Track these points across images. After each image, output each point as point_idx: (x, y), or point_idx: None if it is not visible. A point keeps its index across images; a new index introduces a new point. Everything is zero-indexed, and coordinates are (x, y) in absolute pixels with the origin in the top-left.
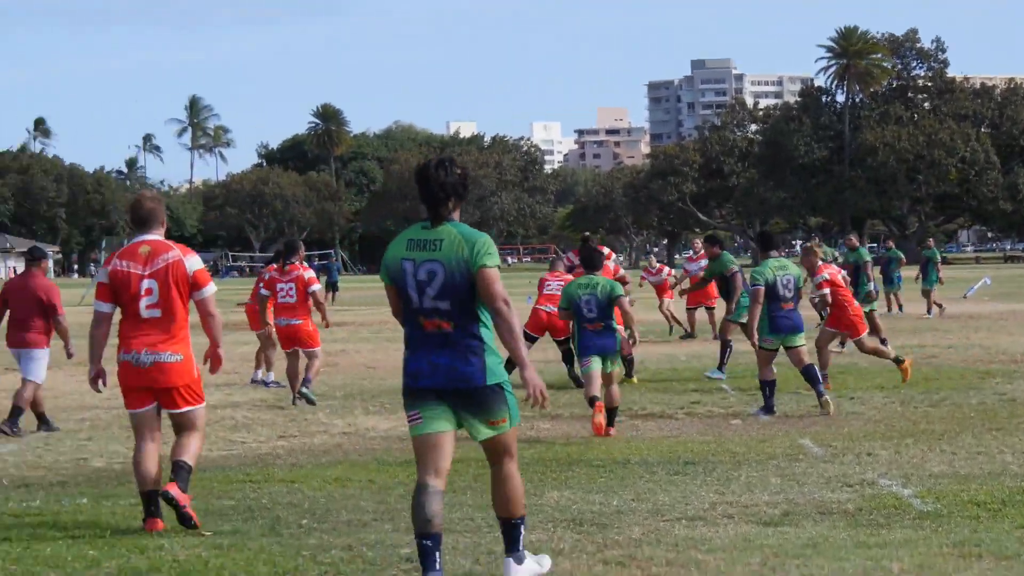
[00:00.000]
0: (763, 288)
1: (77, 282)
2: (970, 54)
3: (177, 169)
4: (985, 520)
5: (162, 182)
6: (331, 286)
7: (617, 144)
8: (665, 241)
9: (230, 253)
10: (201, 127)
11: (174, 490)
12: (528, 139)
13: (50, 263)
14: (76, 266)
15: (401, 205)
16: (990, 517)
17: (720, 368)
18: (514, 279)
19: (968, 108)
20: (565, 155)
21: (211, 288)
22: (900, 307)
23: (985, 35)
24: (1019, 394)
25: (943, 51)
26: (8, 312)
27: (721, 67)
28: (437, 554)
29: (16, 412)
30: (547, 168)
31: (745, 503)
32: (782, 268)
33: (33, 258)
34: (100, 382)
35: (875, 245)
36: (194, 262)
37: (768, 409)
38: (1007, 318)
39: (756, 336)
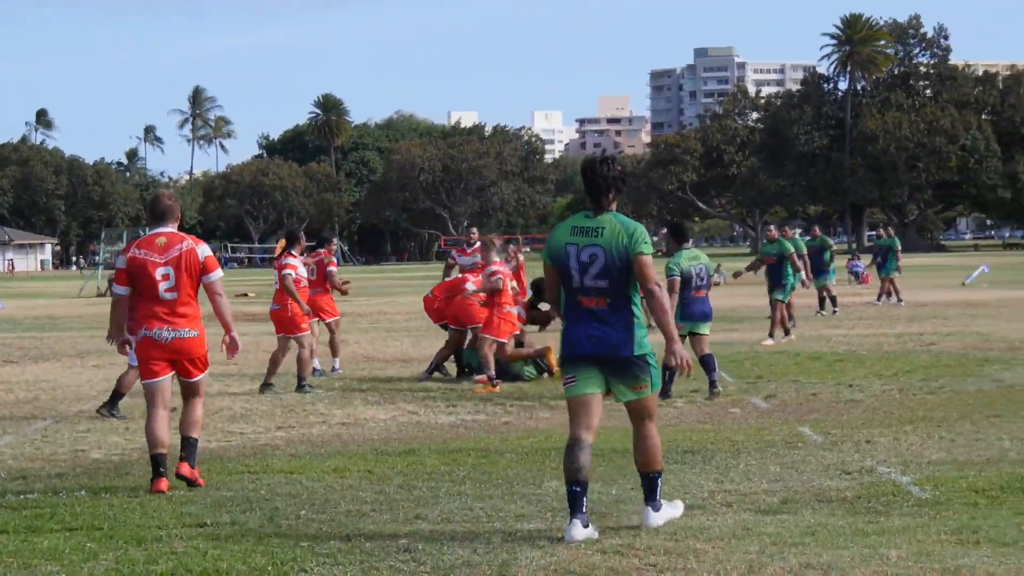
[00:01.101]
0: (679, 278)
1: (75, 274)
2: (973, 41)
3: (178, 160)
4: (983, 507)
5: (162, 173)
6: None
7: (618, 133)
8: (664, 231)
9: (229, 245)
10: (203, 118)
11: (185, 471)
12: (529, 129)
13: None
14: (74, 258)
15: (400, 195)
16: (988, 504)
17: None
18: None
19: (970, 95)
20: (566, 144)
21: (218, 273)
22: (890, 294)
23: (988, 21)
24: (1017, 381)
25: (945, 38)
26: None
27: (724, 55)
28: (584, 499)
29: (116, 397)
30: (547, 158)
31: (744, 491)
32: (694, 258)
33: None
34: (128, 346)
35: (873, 233)
36: (204, 250)
37: (665, 393)
38: (1006, 305)
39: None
